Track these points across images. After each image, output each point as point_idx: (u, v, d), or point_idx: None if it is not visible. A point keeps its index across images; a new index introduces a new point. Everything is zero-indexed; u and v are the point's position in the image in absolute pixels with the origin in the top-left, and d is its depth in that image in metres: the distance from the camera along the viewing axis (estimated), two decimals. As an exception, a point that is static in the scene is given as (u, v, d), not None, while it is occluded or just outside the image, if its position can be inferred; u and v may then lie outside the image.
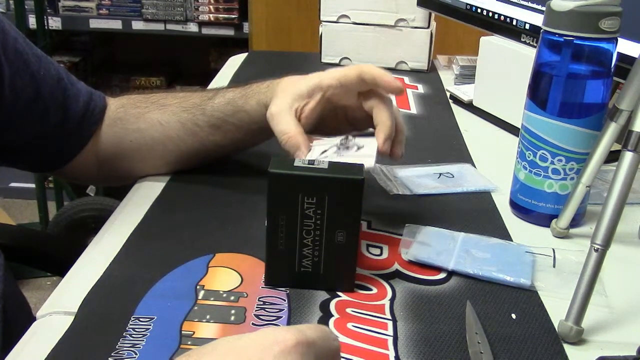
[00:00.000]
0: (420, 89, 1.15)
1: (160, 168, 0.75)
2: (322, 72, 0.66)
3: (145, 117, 0.73)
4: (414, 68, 1.23)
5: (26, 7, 2.04)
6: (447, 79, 1.21)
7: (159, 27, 2.37)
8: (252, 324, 0.50)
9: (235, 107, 0.69)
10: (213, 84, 1.16)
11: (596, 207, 0.66)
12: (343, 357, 0.47)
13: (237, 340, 0.36)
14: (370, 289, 0.56)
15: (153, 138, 0.72)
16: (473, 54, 1.09)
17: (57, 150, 0.72)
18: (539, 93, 0.65)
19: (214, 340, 0.37)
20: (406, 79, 1.18)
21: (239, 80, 1.15)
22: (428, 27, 1.21)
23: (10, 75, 0.64)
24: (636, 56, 0.55)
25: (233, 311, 0.52)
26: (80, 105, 0.72)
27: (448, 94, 1.10)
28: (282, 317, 0.51)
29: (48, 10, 2.32)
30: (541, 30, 0.64)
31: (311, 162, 0.53)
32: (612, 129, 0.58)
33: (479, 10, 1.00)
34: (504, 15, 0.94)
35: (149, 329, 0.49)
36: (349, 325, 0.51)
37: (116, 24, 2.38)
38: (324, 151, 0.61)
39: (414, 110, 1.04)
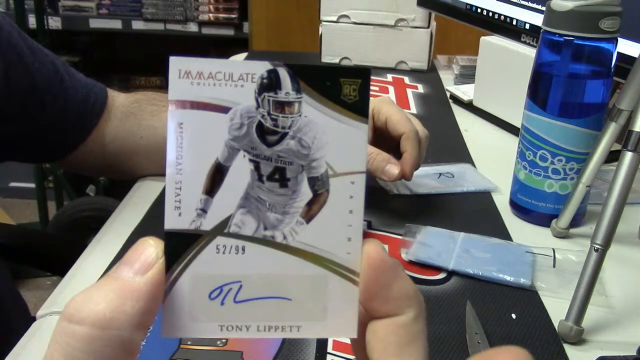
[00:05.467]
0: (420, 88, 1.15)
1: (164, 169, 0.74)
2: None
3: (161, 115, 0.72)
4: (414, 68, 1.23)
5: (26, 7, 2.04)
6: (447, 78, 1.21)
7: (159, 27, 2.37)
8: (252, 324, 0.50)
9: None
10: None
11: (596, 207, 0.66)
12: (343, 357, 0.47)
13: None
14: (370, 289, 0.55)
15: (164, 137, 0.72)
16: (473, 54, 1.09)
17: (57, 141, 0.72)
18: (539, 93, 0.65)
19: None
20: (406, 79, 1.18)
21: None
22: (428, 27, 1.21)
23: (4, 69, 0.64)
24: (636, 56, 0.55)
25: (233, 311, 0.52)
26: (80, 97, 0.71)
27: (448, 94, 1.10)
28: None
29: (48, 10, 2.32)
30: (541, 30, 0.64)
31: None
32: (612, 129, 0.58)
33: (479, 10, 1.00)
34: (504, 15, 0.93)
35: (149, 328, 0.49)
36: (349, 325, 0.50)
37: (116, 24, 2.38)
38: None
39: (414, 110, 1.04)
